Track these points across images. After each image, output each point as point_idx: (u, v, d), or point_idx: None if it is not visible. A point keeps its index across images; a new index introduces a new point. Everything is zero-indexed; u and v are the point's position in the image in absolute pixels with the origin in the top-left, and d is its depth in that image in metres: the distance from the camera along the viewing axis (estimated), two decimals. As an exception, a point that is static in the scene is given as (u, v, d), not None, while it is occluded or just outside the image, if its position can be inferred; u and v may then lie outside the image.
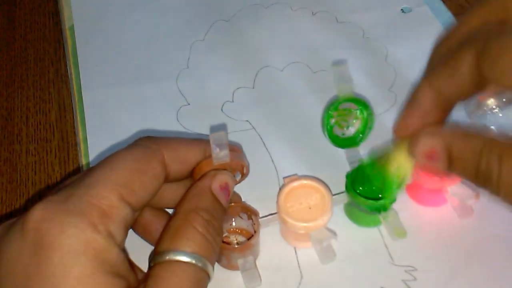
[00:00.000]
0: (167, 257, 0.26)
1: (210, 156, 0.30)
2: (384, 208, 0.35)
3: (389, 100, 0.44)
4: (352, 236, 0.36)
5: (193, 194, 0.29)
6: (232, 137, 0.42)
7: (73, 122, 0.44)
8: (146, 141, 0.29)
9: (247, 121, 0.43)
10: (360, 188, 0.36)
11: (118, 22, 0.51)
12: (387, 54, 0.47)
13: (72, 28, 0.50)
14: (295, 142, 0.41)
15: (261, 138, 0.42)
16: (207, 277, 0.26)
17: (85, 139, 0.42)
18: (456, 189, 0.36)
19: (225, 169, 0.31)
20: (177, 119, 0.43)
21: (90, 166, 0.40)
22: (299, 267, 0.35)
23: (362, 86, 0.44)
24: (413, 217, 0.36)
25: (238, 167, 0.32)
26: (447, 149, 0.26)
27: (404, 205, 0.37)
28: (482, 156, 0.25)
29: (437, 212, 0.37)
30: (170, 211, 0.34)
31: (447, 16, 0.50)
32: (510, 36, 0.24)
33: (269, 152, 0.41)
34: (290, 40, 0.49)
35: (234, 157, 0.31)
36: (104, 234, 0.24)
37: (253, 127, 0.42)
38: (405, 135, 0.29)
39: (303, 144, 0.41)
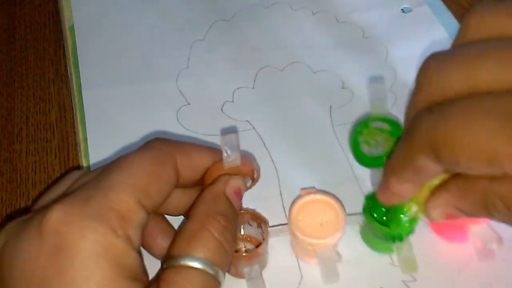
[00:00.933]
0: (181, 262, 0.25)
1: (220, 161, 0.30)
2: (400, 238, 0.33)
3: (389, 100, 0.44)
4: (352, 237, 0.36)
5: (208, 198, 0.29)
6: (232, 137, 0.42)
7: (73, 122, 0.44)
8: (160, 144, 0.29)
9: (247, 121, 0.43)
10: (377, 213, 0.34)
11: (118, 22, 0.51)
12: (387, 54, 0.47)
13: (72, 28, 0.50)
14: (295, 142, 0.41)
15: (261, 138, 0.42)
16: (218, 285, 0.26)
17: (85, 139, 0.42)
18: (480, 230, 0.34)
19: (236, 174, 0.30)
20: (177, 119, 0.43)
21: (91, 167, 0.40)
22: (299, 267, 0.35)
23: (362, 86, 0.44)
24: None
25: (249, 172, 0.31)
26: (457, 209, 0.27)
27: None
28: (487, 205, 0.24)
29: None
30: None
31: (448, 16, 0.50)
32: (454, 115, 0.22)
33: (269, 152, 0.41)
34: (290, 40, 0.49)
35: (244, 160, 0.30)
36: (123, 238, 0.24)
37: (253, 127, 0.42)
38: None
39: (303, 144, 0.41)
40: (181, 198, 0.32)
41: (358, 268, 0.35)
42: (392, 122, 0.35)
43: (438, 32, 0.49)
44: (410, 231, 0.33)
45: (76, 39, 0.49)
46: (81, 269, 0.23)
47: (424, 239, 0.35)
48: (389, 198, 0.29)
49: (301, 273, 0.35)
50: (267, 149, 0.41)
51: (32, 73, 0.48)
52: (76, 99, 0.45)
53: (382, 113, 0.34)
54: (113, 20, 0.51)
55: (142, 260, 0.26)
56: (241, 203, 0.31)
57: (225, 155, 0.29)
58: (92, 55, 0.48)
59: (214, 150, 0.31)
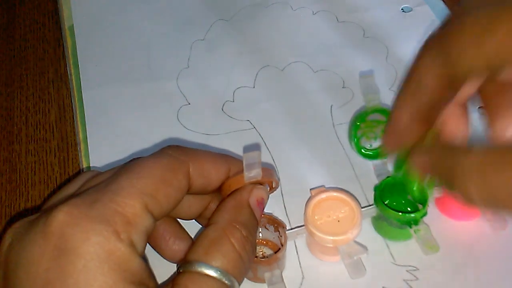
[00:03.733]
0: (198, 269, 0.25)
1: (238, 173, 0.30)
2: (415, 222, 0.34)
3: (390, 99, 0.43)
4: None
5: (231, 206, 0.29)
6: (233, 137, 0.42)
7: (73, 122, 0.44)
8: (174, 151, 0.28)
9: (247, 120, 0.43)
10: (388, 200, 0.35)
11: (118, 21, 0.51)
12: (388, 54, 0.47)
13: (71, 27, 0.50)
14: (296, 141, 0.41)
15: (262, 138, 0.42)
16: None
17: (85, 139, 0.42)
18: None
19: (259, 184, 0.30)
20: (178, 118, 0.43)
21: (91, 167, 0.40)
22: (300, 267, 0.35)
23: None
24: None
25: (268, 182, 0.31)
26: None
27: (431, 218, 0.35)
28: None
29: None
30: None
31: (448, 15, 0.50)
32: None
33: (270, 152, 0.41)
34: (291, 40, 0.49)
35: (265, 174, 0.30)
36: (126, 242, 0.24)
37: (254, 127, 0.42)
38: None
39: (304, 144, 0.41)
40: (192, 204, 0.32)
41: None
42: (387, 112, 0.36)
43: (438, 31, 0.49)
44: (424, 213, 0.34)
45: (75, 39, 0.49)
46: (83, 273, 0.23)
47: (433, 222, 0.35)
48: (394, 139, 0.29)
49: (302, 273, 0.34)
50: (267, 148, 0.41)
51: (31, 73, 0.48)
52: (76, 99, 0.45)
53: (376, 105, 0.35)
54: (113, 19, 0.51)
55: (147, 265, 0.25)
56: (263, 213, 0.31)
57: (247, 172, 0.29)
58: (91, 55, 0.48)
59: (229, 160, 0.31)
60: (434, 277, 0.34)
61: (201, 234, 0.27)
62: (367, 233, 0.36)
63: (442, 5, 0.51)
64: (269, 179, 0.31)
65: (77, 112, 0.44)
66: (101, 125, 0.43)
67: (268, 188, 0.32)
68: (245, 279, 0.33)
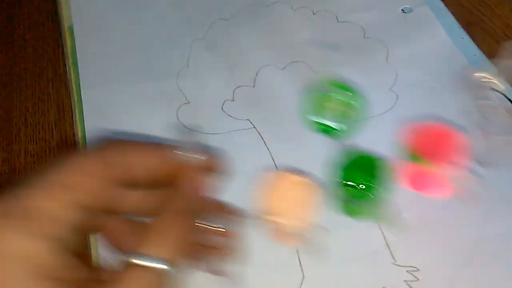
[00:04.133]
0: (131, 259, 0.25)
1: (182, 162, 0.30)
2: (375, 197, 0.34)
3: (390, 100, 0.43)
4: (353, 236, 0.36)
5: (169, 195, 0.29)
6: (233, 136, 0.41)
7: (72, 122, 0.44)
8: (105, 144, 0.29)
9: (247, 120, 0.43)
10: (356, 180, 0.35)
11: (117, 21, 0.51)
12: (388, 54, 0.47)
13: (71, 27, 0.50)
14: (295, 141, 0.41)
15: (261, 137, 0.41)
16: (168, 281, 0.26)
17: (84, 138, 0.42)
18: (459, 176, 0.35)
19: (208, 170, 0.30)
20: (177, 118, 0.43)
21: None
22: (300, 266, 0.35)
23: (363, 86, 0.44)
24: (417, 214, 0.36)
25: (215, 168, 0.31)
26: None
27: (407, 201, 0.36)
28: None
29: (442, 207, 0.36)
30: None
31: (448, 16, 0.50)
32: None
33: (269, 151, 0.41)
34: (291, 39, 0.49)
35: (208, 158, 0.30)
36: (44, 237, 0.24)
37: (254, 126, 0.42)
38: None
39: (304, 143, 0.41)
40: (143, 200, 0.31)
41: (360, 268, 0.34)
42: (351, 89, 0.35)
43: (438, 32, 0.49)
44: (383, 188, 0.34)
45: (75, 39, 0.49)
46: None
47: (409, 205, 0.36)
48: None
49: (302, 272, 0.34)
50: (267, 148, 0.41)
51: (30, 73, 0.48)
52: (75, 99, 0.45)
53: (338, 80, 0.34)
54: (112, 19, 0.51)
55: (70, 259, 0.25)
56: (211, 198, 0.31)
57: (185, 158, 0.29)
58: (91, 54, 0.48)
59: (163, 147, 0.30)
60: (435, 278, 0.34)
61: (142, 227, 0.27)
62: (367, 232, 0.36)
63: (442, 6, 0.51)
64: (212, 164, 0.31)
65: (76, 112, 0.44)
66: (101, 125, 0.42)
67: (218, 174, 0.31)
68: (198, 271, 0.33)
